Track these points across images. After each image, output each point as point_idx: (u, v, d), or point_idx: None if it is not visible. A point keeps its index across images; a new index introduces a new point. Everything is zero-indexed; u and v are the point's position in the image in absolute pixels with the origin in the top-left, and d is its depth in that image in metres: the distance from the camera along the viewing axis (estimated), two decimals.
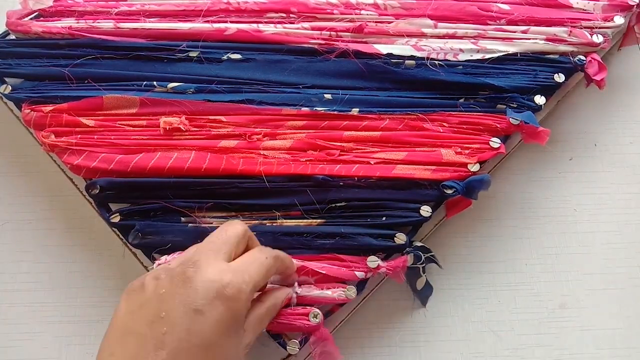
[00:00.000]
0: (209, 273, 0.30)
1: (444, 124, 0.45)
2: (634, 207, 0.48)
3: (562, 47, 0.48)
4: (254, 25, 0.48)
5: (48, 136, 0.43)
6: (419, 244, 0.42)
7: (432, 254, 0.41)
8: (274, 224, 0.41)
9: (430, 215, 0.42)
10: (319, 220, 0.41)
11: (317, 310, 0.38)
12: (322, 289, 0.39)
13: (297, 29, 0.48)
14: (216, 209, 0.42)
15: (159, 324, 0.28)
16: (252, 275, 0.31)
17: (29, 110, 0.44)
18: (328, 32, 0.48)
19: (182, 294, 0.29)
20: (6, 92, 0.45)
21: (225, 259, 0.32)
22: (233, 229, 0.34)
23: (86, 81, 0.46)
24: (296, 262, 0.38)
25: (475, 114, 0.45)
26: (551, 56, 0.48)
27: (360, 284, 0.40)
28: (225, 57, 0.47)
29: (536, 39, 0.48)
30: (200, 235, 0.39)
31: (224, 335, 0.29)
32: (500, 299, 0.44)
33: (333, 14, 0.49)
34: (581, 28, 0.49)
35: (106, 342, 0.29)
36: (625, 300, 0.44)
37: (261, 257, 0.33)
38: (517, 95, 0.46)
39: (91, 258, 0.45)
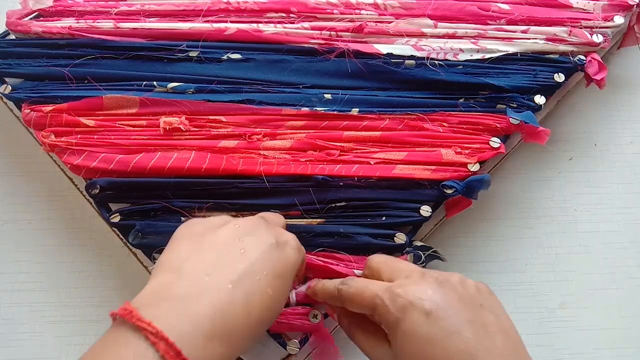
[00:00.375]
0: (276, 229, 0.33)
1: (444, 124, 0.45)
2: (633, 207, 0.48)
3: (562, 47, 0.48)
4: (254, 25, 0.48)
5: (48, 136, 0.43)
6: (419, 243, 0.42)
7: (434, 249, 0.41)
8: None
9: (430, 215, 0.42)
10: (318, 220, 0.41)
11: (317, 310, 0.38)
12: None
13: (297, 28, 0.48)
14: (216, 209, 0.42)
15: (237, 245, 0.30)
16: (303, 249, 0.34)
17: (29, 110, 0.44)
18: (328, 32, 0.48)
19: (259, 231, 0.31)
20: (6, 92, 0.45)
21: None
22: (279, 217, 0.38)
23: (86, 81, 0.46)
24: None
25: (475, 113, 0.45)
26: (551, 56, 0.48)
27: None
28: (225, 57, 0.47)
29: (536, 38, 0.48)
30: None
31: (291, 273, 0.31)
32: (500, 299, 0.44)
33: (333, 13, 0.49)
34: (581, 28, 0.49)
35: (172, 254, 0.30)
36: (626, 300, 0.44)
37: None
38: (517, 95, 0.46)
39: (91, 258, 0.45)
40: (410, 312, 0.28)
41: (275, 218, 0.37)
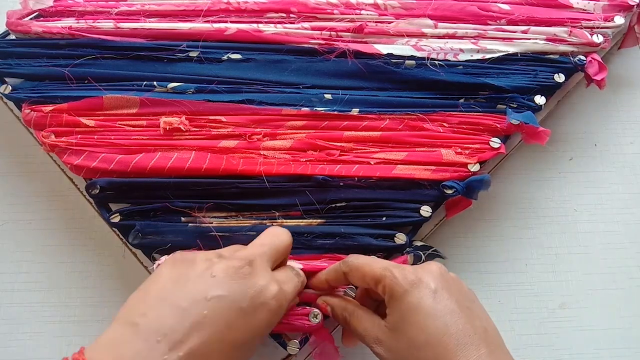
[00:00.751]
0: (261, 279, 0.31)
1: (444, 124, 0.45)
2: (634, 207, 0.48)
3: (563, 47, 0.48)
4: (254, 25, 0.48)
5: (48, 136, 0.43)
6: (419, 243, 0.42)
7: (434, 248, 0.41)
8: (274, 224, 0.41)
9: (431, 216, 0.42)
10: (319, 220, 0.41)
11: (317, 311, 0.38)
12: None
13: (297, 29, 0.48)
14: (216, 209, 0.42)
15: (203, 305, 0.29)
16: (289, 293, 0.33)
17: (29, 110, 0.44)
18: (328, 32, 0.48)
19: (233, 289, 0.30)
20: (6, 92, 0.45)
21: (271, 267, 0.33)
22: (285, 238, 0.35)
23: (86, 81, 0.46)
24: (298, 264, 0.39)
25: (475, 114, 0.45)
26: (551, 56, 0.48)
27: None
28: (225, 57, 0.47)
29: (536, 39, 0.48)
30: (200, 235, 0.40)
31: (256, 340, 0.31)
32: (500, 299, 0.44)
33: (333, 14, 0.49)
34: (581, 28, 0.49)
35: (138, 301, 0.29)
36: (625, 300, 0.44)
37: (295, 278, 0.35)
38: (518, 95, 0.46)
39: (91, 258, 0.45)
40: (419, 287, 0.31)
41: (273, 249, 0.34)
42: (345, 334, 0.36)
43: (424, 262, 0.41)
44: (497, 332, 0.32)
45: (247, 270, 0.31)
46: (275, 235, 0.35)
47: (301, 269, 0.38)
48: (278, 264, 0.35)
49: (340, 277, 0.36)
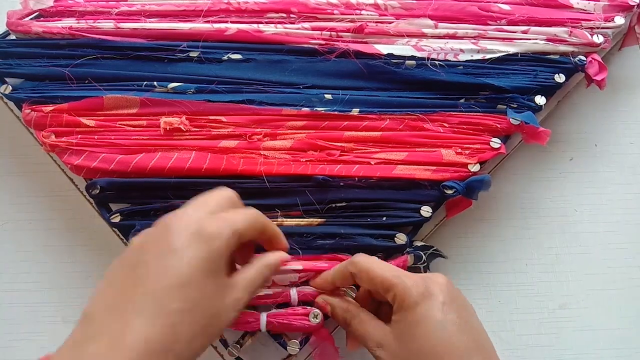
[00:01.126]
0: (190, 216, 0.29)
1: (445, 124, 0.45)
2: (634, 207, 0.48)
3: (563, 48, 0.48)
4: (255, 26, 0.48)
5: (48, 136, 0.43)
6: (419, 243, 0.42)
7: (435, 248, 0.41)
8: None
9: (431, 216, 0.42)
10: (319, 220, 0.41)
11: (318, 311, 0.38)
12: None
13: (298, 29, 0.48)
14: None
15: (139, 268, 0.28)
16: (236, 221, 0.30)
17: (30, 111, 0.44)
18: (328, 33, 0.48)
19: (161, 240, 0.29)
20: (6, 92, 0.45)
21: (211, 211, 0.30)
22: (223, 191, 0.33)
23: (86, 81, 0.45)
24: (298, 266, 0.39)
25: (475, 114, 0.45)
26: (552, 56, 0.48)
27: None
28: (225, 58, 0.47)
29: (536, 39, 0.48)
30: None
31: (200, 274, 0.28)
32: (500, 299, 0.44)
33: (333, 14, 0.49)
34: (582, 28, 0.49)
35: (91, 298, 0.29)
36: (626, 300, 0.44)
37: (245, 210, 0.32)
38: (518, 95, 0.46)
39: (91, 258, 0.45)
40: (429, 299, 0.32)
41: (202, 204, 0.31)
42: (350, 339, 0.36)
43: (424, 262, 0.41)
44: (492, 347, 0.33)
45: (173, 218, 0.30)
46: (213, 191, 0.32)
47: (301, 270, 0.38)
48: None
49: (347, 278, 0.36)
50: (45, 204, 0.47)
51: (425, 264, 0.42)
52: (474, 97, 0.46)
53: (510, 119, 0.44)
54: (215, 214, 0.30)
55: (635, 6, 0.50)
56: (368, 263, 0.34)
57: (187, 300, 0.27)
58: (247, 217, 0.31)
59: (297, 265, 0.38)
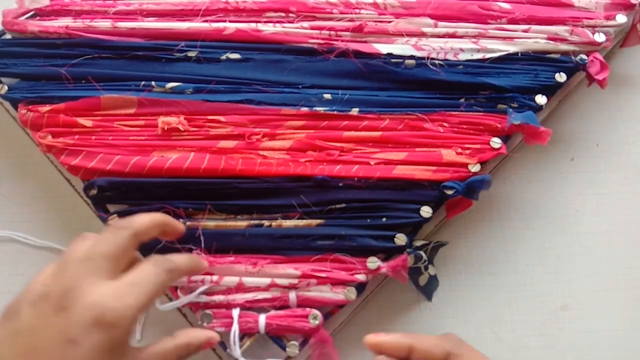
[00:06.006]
0: (88, 298, 0.28)
1: (445, 124, 0.45)
2: (635, 208, 0.48)
3: (564, 46, 0.48)
4: (253, 25, 0.48)
5: (45, 137, 0.43)
6: (419, 242, 0.41)
7: (434, 243, 0.41)
8: (272, 225, 0.41)
9: (431, 216, 0.42)
10: (318, 221, 0.41)
11: (317, 312, 0.37)
12: (321, 291, 0.38)
13: (297, 28, 0.48)
14: (215, 209, 0.41)
15: (31, 356, 0.27)
16: (138, 296, 0.29)
17: (26, 111, 0.44)
18: (327, 32, 0.48)
19: (57, 324, 0.27)
20: (2, 92, 0.45)
21: (108, 276, 0.29)
22: (114, 239, 0.31)
23: (83, 81, 0.45)
24: (297, 270, 0.38)
25: (475, 114, 0.45)
26: (552, 55, 0.47)
27: (361, 285, 0.40)
28: (224, 57, 0.47)
29: (537, 38, 0.48)
30: (199, 235, 0.39)
31: None
32: (501, 301, 0.44)
33: (332, 13, 0.49)
34: (583, 27, 0.49)
35: None
36: (627, 301, 0.44)
37: (152, 272, 0.31)
38: (518, 95, 0.45)
39: None
40: None
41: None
42: None
43: (425, 261, 0.41)
44: None
45: (70, 299, 0.28)
46: (103, 239, 0.30)
47: (299, 276, 0.38)
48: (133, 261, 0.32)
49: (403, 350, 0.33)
50: (42, 205, 0.46)
51: (425, 263, 0.41)
52: (474, 96, 0.46)
53: (511, 119, 0.44)
54: (115, 289, 0.29)
55: (638, 4, 0.50)
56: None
57: None
58: (150, 286, 0.30)
59: (295, 270, 0.38)
